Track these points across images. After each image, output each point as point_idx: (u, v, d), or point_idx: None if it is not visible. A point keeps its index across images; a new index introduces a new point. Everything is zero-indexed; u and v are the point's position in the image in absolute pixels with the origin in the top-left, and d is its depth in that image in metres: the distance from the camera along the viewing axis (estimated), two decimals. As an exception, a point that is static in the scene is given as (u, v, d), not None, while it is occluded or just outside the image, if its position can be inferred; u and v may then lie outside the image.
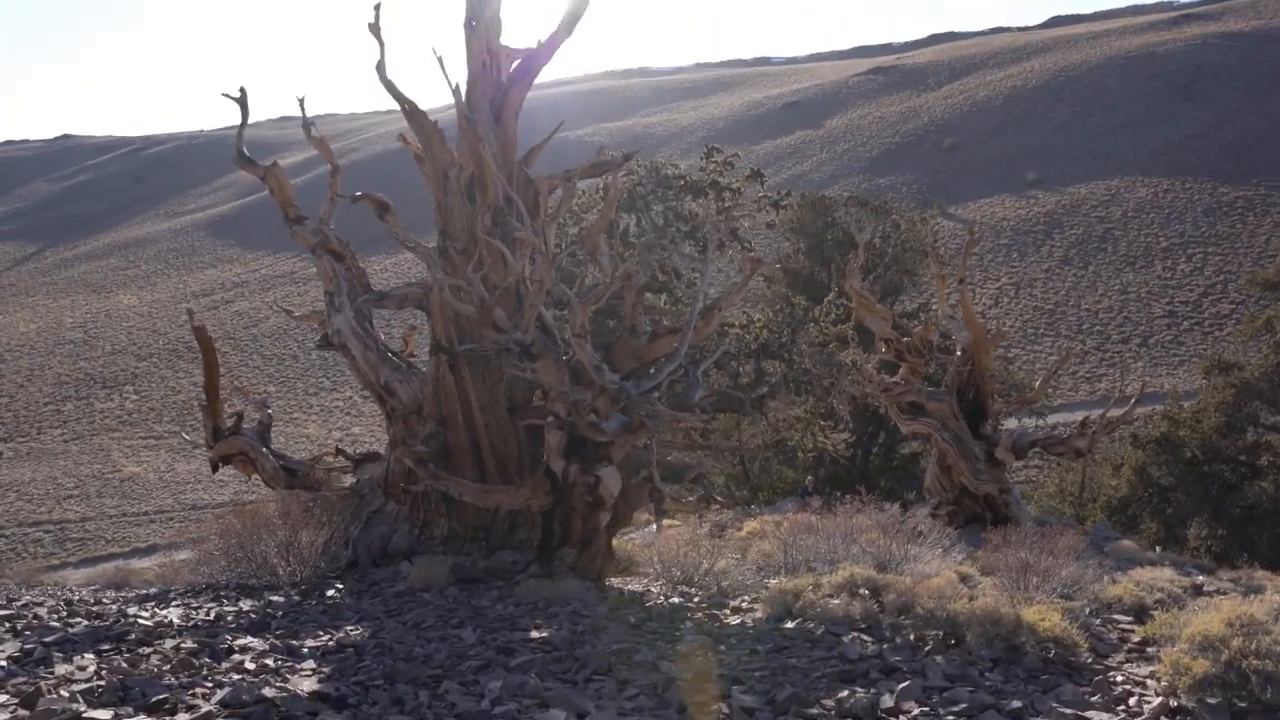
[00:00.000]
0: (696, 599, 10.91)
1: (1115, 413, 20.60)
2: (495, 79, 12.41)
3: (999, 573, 10.28)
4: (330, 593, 11.00)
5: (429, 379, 12.73)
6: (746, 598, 10.82)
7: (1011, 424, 27.95)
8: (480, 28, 12.21)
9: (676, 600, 10.80)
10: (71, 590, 13.64)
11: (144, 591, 12.04)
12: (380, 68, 12.83)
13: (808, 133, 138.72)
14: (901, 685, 6.56)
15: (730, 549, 14.63)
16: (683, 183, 12.80)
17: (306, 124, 14.05)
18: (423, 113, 12.64)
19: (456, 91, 12.03)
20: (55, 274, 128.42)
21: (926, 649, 8.05)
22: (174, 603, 10.05)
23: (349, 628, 8.61)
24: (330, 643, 7.84)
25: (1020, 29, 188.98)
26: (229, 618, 8.85)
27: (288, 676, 6.39)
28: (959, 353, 20.79)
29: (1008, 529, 16.14)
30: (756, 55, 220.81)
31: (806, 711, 5.96)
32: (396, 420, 13.01)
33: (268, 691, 5.77)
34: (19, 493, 68.66)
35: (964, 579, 10.57)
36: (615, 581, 12.58)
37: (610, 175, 12.29)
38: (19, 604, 9.55)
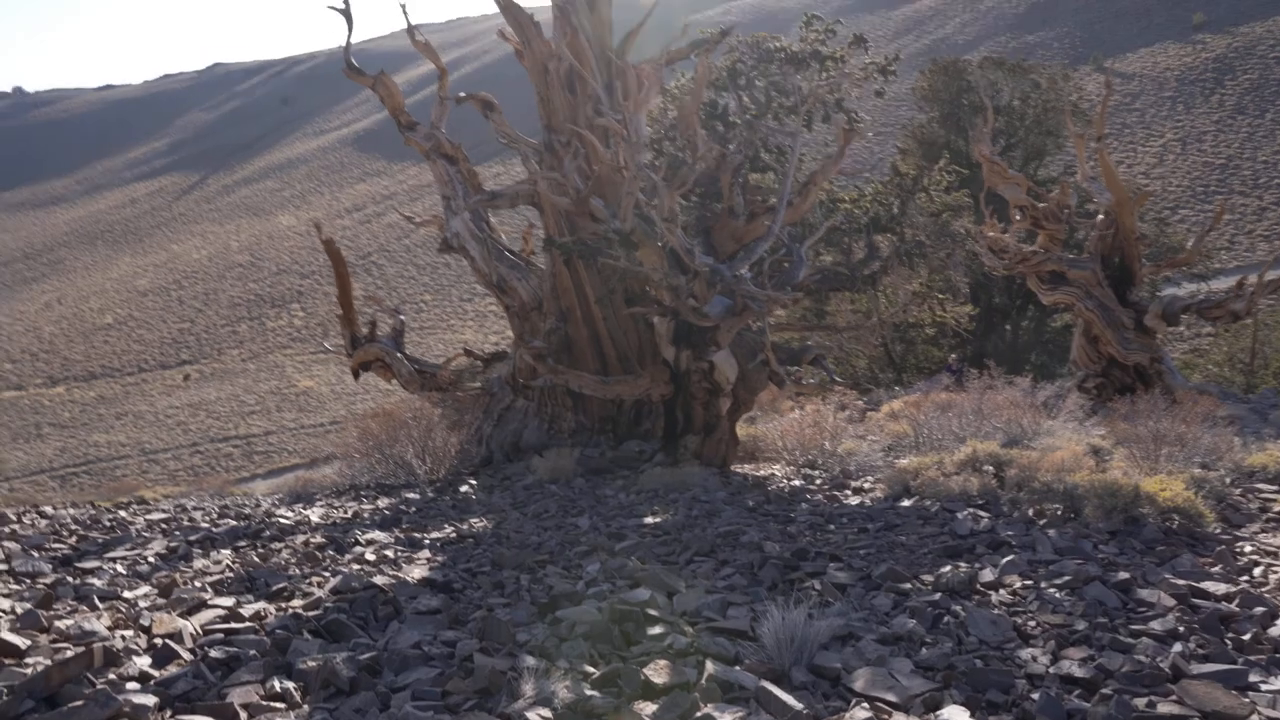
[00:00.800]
0: (819, 480, 10.90)
1: (1275, 274, 19.19)
2: (586, -38, 12.17)
3: (1131, 443, 9.87)
4: (464, 488, 11.46)
5: (546, 275, 12.89)
6: (870, 478, 10.75)
7: (1176, 290, 26.50)
8: (569, -85, 11.95)
9: (798, 483, 10.81)
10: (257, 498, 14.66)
11: (295, 492, 12.78)
12: (476, -34, 12.70)
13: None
14: (1006, 559, 6.42)
15: (865, 430, 14.52)
16: (784, 55, 12.33)
17: (410, 29, 14.15)
18: (518, 5, 12.52)
19: (550, -17, 11.86)
20: (218, 200, 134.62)
21: (1042, 523, 7.84)
22: (318, 503, 10.65)
23: (474, 520, 8.97)
24: (452, 534, 8.19)
25: None
26: (365, 515, 9.33)
27: (402, 565, 6.73)
28: (1101, 216, 19.68)
29: (1138, 397, 15.53)
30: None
31: (900, 586, 5.91)
32: (517, 318, 13.26)
33: (379, 579, 6.08)
34: (208, 411, 73.31)
35: (1095, 451, 10.21)
36: (746, 467, 12.68)
37: (704, 53, 12.04)
38: (177, 506, 10.29)
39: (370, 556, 7.03)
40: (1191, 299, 19.92)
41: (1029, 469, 9.08)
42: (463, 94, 13.37)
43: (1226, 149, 77.96)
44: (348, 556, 7.09)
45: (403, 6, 14.43)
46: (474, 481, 11.82)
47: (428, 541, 7.88)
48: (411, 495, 10.90)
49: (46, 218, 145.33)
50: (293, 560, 6.92)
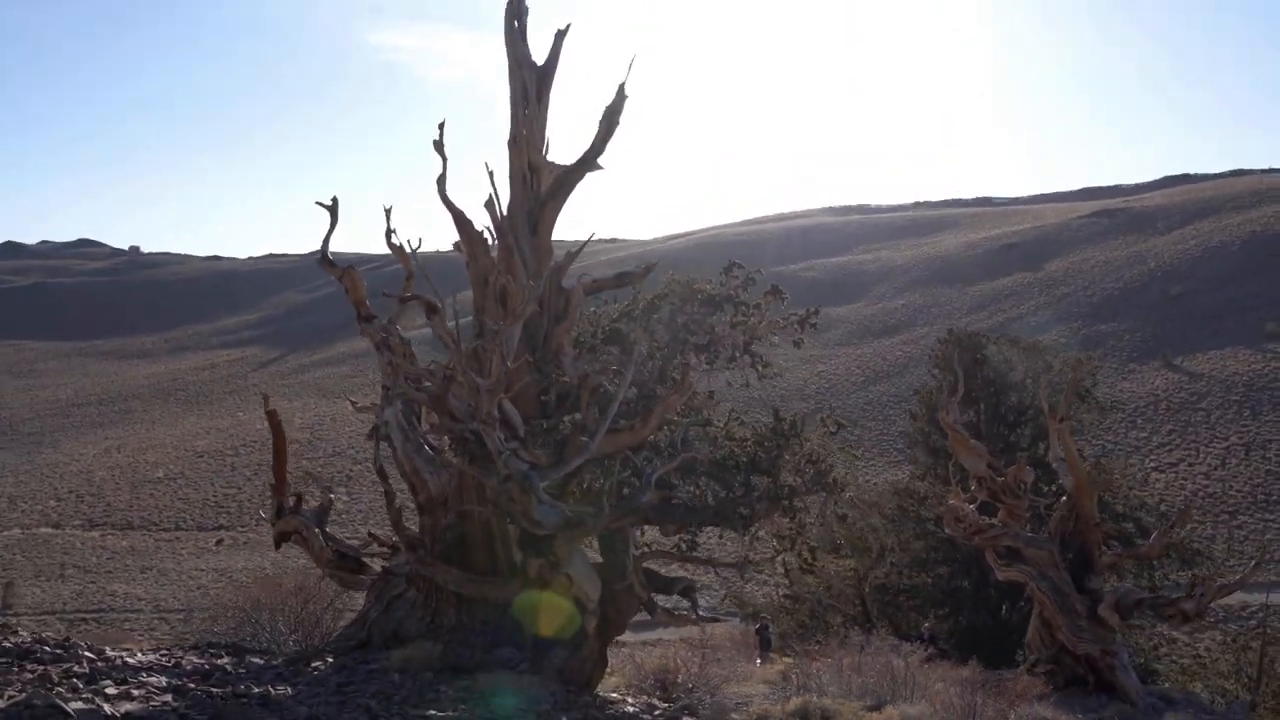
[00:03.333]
0: (657, 713, 10.79)
1: (1224, 582, 18.86)
2: (535, 192, 13.23)
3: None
4: (315, 664, 11.55)
5: (455, 472, 13.31)
6: (709, 712, 10.63)
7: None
8: (521, 144, 13.12)
9: (631, 709, 10.72)
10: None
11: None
12: (441, 181, 13.87)
13: (1026, 275, 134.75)
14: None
15: (763, 673, 14.33)
16: (701, 296, 13.11)
17: (389, 231, 15.26)
18: (469, 222, 13.55)
19: (490, 204, 12.91)
20: (293, 377, 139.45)
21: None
22: (160, 651, 10.85)
23: (267, 687, 9.09)
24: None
25: (1263, 171, 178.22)
26: (166, 664, 9.51)
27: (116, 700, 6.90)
28: (1064, 498, 19.68)
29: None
30: (978, 195, 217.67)
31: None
32: (424, 511, 13.60)
33: (75, 704, 6.30)
34: (230, 578, 73.45)
35: None
36: (612, 689, 12.57)
37: (630, 284, 12.92)
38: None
39: (111, 691, 7.23)
40: (1146, 594, 19.50)
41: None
42: (409, 295, 14.26)
43: (1292, 460, 76.86)
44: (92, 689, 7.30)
45: (386, 210, 15.62)
46: (330, 660, 11.90)
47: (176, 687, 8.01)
48: (255, 660, 11.03)
49: (128, 369, 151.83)
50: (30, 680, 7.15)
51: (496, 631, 13.05)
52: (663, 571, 13.26)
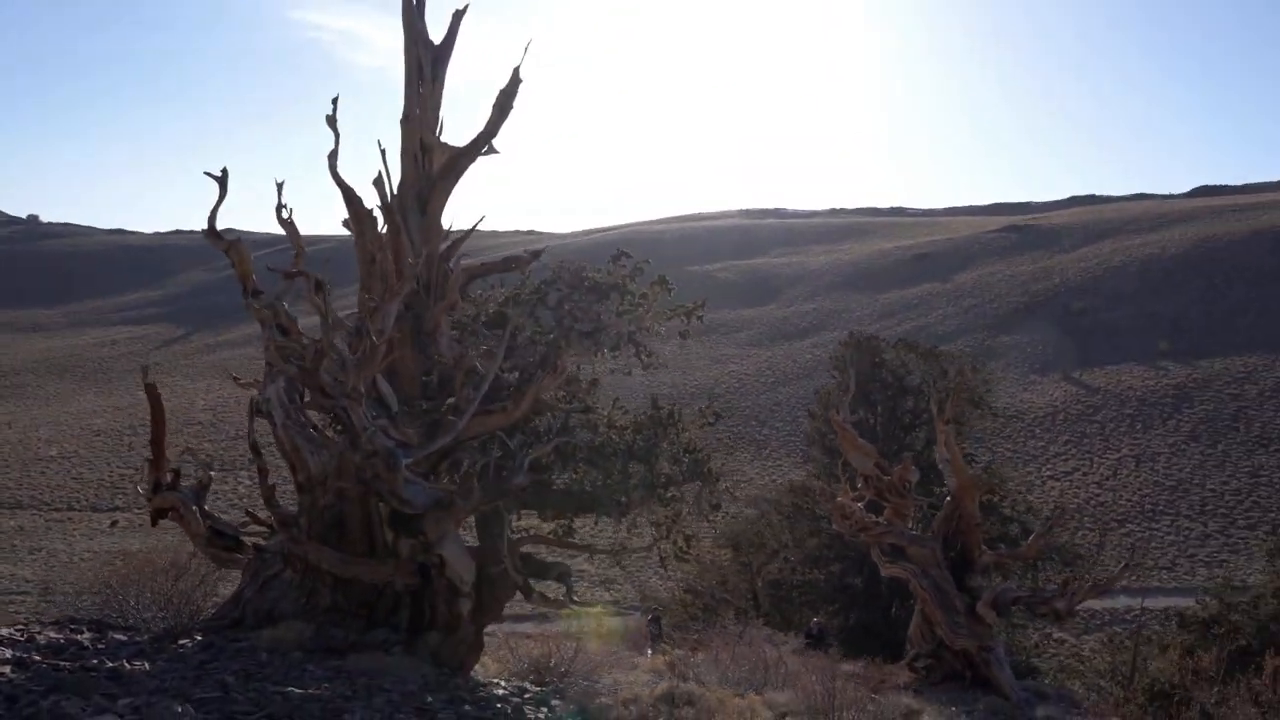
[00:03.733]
0: (527, 695, 10.83)
1: (1093, 580, 19.61)
2: (426, 171, 13.13)
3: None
4: (183, 642, 11.31)
5: (335, 452, 13.13)
6: (577, 695, 10.70)
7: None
8: (414, 123, 13.02)
9: (502, 691, 10.74)
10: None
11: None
12: (332, 157, 13.65)
13: (935, 285, 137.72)
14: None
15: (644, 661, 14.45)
16: (588, 284, 13.19)
17: (279, 206, 14.97)
18: (359, 200, 13.39)
19: (379, 181, 12.78)
20: (196, 357, 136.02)
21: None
22: (15, 626, 10.53)
23: (122, 662, 8.89)
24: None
25: (1164, 196, 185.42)
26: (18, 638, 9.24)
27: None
28: (947, 499, 20.22)
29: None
30: (892, 205, 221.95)
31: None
32: (303, 490, 13.40)
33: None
34: (125, 561, 71.16)
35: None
36: (485, 672, 12.55)
37: (515, 269, 12.97)
38: None
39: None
40: (1022, 592, 20.15)
41: (703, 712, 9.10)
42: (295, 270, 14.01)
43: (1179, 472, 79.78)
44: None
45: (278, 184, 15.32)
46: (200, 638, 11.67)
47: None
48: (119, 636, 10.77)
49: (22, 342, 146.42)
50: None
51: (373, 613, 12.94)
52: (541, 558, 13.27)
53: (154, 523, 15.57)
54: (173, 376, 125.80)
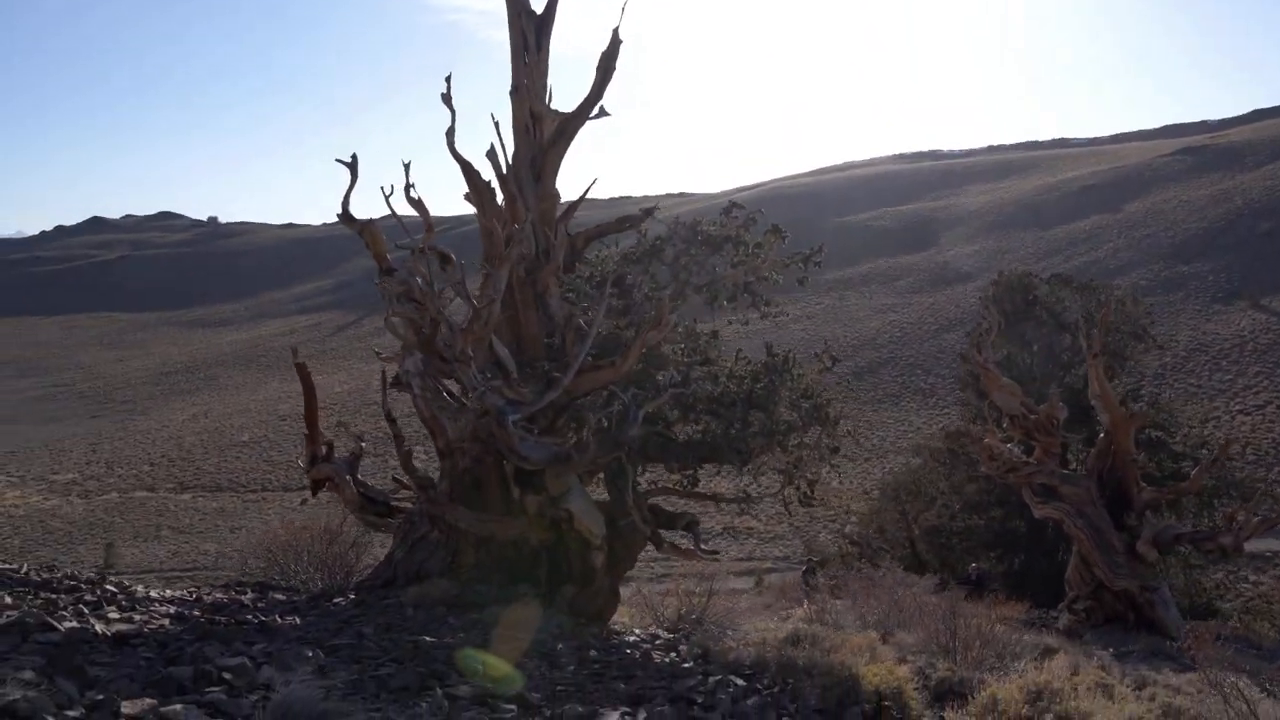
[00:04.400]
0: (658, 641, 11.12)
1: (1259, 518, 18.48)
2: (536, 140, 13.43)
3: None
4: (338, 600, 12.09)
5: (472, 417, 13.69)
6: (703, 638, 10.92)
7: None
8: (522, 93, 13.32)
9: (633, 638, 11.06)
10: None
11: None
12: (450, 134, 14.11)
13: (1104, 217, 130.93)
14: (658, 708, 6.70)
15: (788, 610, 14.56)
16: (701, 237, 13.22)
17: (408, 185, 15.60)
18: (477, 173, 13.82)
19: (491, 153, 13.14)
20: (370, 340, 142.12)
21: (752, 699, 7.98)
22: (190, 589, 11.48)
23: (275, 617, 9.61)
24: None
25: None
26: (187, 598, 10.09)
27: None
28: (1101, 435, 19.43)
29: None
30: (1055, 136, 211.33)
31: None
32: (444, 456, 14.03)
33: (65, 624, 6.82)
34: (285, 528, 75.65)
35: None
36: (625, 622, 12.92)
37: (631, 227, 13.13)
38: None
39: (112, 615, 7.76)
40: (1185, 529, 19.20)
41: (819, 647, 9.19)
42: (422, 246, 14.57)
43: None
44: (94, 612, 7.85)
45: (405, 165, 15.94)
46: (354, 595, 12.44)
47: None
48: (279, 596, 11.61)
49: (212, 337, 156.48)
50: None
51: (514, 570, 13.49)
52: (670, 509, 13.51)
53: (314, 493, 16.59)
54: (349, 360, 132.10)
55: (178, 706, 5.09)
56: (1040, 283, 31.91)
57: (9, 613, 7.05)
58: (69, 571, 11.54)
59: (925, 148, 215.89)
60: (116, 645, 6.75)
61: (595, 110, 13.78)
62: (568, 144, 13.50)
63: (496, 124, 13.59)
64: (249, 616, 9.47)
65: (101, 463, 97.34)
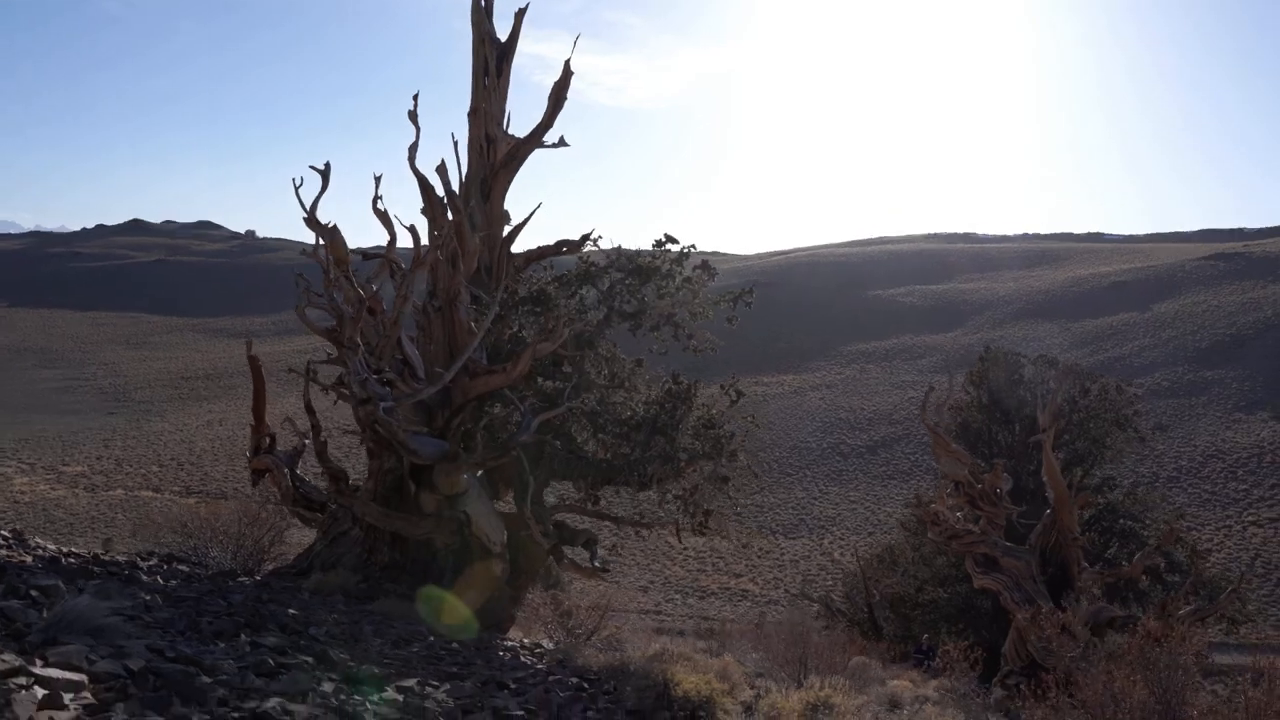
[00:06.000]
0: (538, 650, 11.34)
1: (1190, 608, 18.46)
2: (490, 161, 13.96)
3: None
4: (242, 579, 12.42)
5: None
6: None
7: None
8: (480, 116, 13.87)
9: (510, 644, 11.29)
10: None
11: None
12: (412, 150, 14.66)
13: (1132, 315, 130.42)
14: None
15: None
16: (632, 266, 13.65)
17: (376, 197, 16.16)
18: (432, 189, 14.35)
19: (441, 169, 13.68)
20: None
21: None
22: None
23: (156, 578, 9.96)
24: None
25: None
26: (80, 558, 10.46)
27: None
28: (1047, 511, 19.50)
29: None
30: (1090, 230, 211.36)
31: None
32: (372, 456, 14.41)
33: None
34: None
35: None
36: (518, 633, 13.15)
37: (569, 252, 13.60)
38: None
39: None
40: (1118, 613, 19.14)
41: (666, 663, 9.38)
42: (367, 251, 15.08)
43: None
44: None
45: (376, 178, 16.52)
46: (259, 579, 12.76)
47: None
48: (181, 568, 11.95)
49: (236, 347, 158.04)
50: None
51: (425, 571, 13.79)
52: (573, 525, 13.79)
53: (254, 483, 17.01)
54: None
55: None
56: (1027, 362, 32.04)
57: None
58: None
59: (960, 229, 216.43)
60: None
61: (554, 139, 14.33)
62: (517, 167, 14.02)
63: (455, 143, 14.15)
64: (125, 571, 9.84)
65: (112, 459, 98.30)
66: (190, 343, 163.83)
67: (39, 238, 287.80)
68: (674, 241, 13.82)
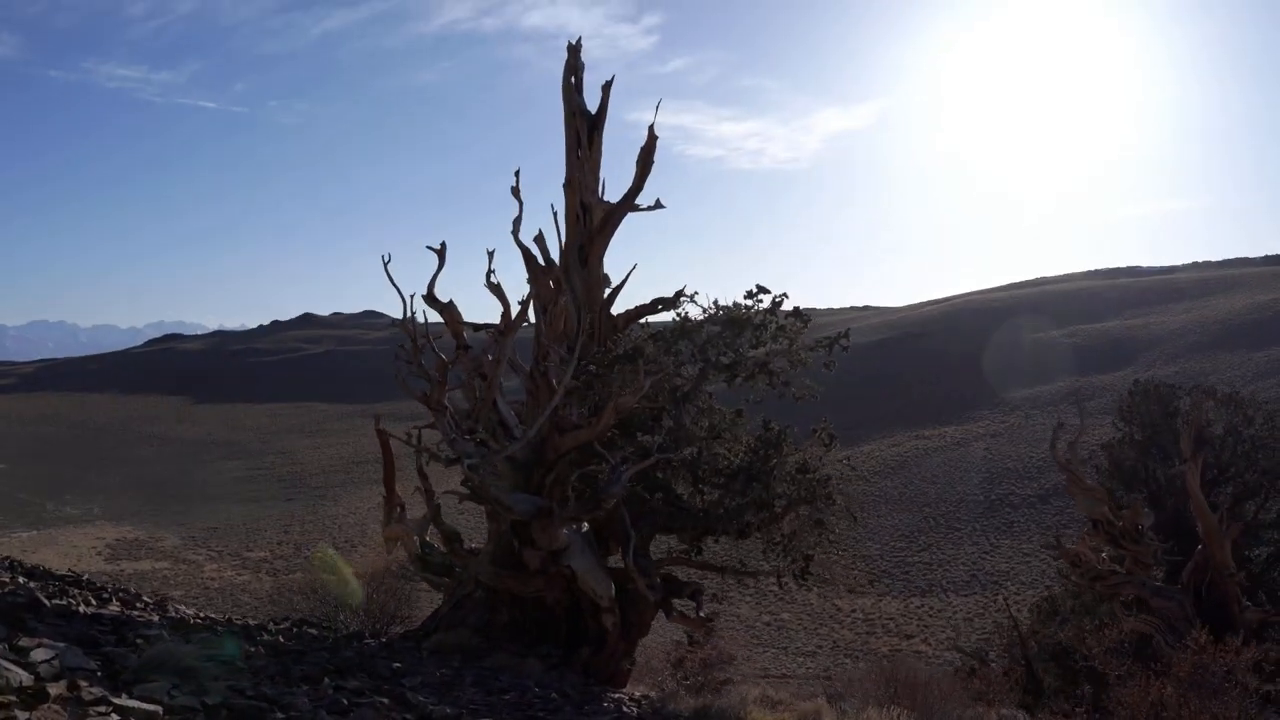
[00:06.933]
0: (643, 701, 11.51)
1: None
2: (585, 228, 14.52)
3: None
4: (368, 640, 13.05)
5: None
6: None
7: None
8: (575, 185, 14.49)
9: (616, 696, 11.47)
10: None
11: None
12: (516, 223, 15.36)
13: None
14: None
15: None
16: (724, 317, 13.86)
17: (489, 271, 16.94)
18: (535, 259, 14.99)
19: (540, 239, 14.29)
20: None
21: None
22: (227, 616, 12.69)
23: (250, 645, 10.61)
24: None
25: None
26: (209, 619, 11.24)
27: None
28: (1200, 546, 18.50)
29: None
30: (1268, 254, 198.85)
31: None
32: (490, 518, 14.97)
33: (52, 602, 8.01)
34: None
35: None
36: (642, 688, 13.31)
37: (665, 309, 13.99)
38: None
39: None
40: (1286, 654, 17.80)
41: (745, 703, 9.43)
42: (482, 326, 15.69)
43: None
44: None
45: (489, 252, 17.33)
46: (384, 640, 13.36)
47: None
48: (311, 631, 12.66)
49: (402, 431, 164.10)
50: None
51: (542, 630, 14.16)
52: (679, 577, 13.93)
53: (389, 550, 17.82)
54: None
55: (63, 645, 6.15)
56: (1182, 394, 30.52)
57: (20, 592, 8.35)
58: (128, 588, 13.01)
59: (1123, 264, 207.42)
60: (59, 615, 7.92)
61: (650, 202, 14.82)
62: (612, 231, 14.53)
63: (555, 214, 14.80)
64: (251, 633, 10.57)
65: (291, 544, 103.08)
66: (359, 428, 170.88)
67: (221, 337, 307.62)
68: (766, 292, 14.03)
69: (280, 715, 5.97)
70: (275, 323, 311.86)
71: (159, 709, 5.38)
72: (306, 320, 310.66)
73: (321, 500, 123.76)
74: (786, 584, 13.44)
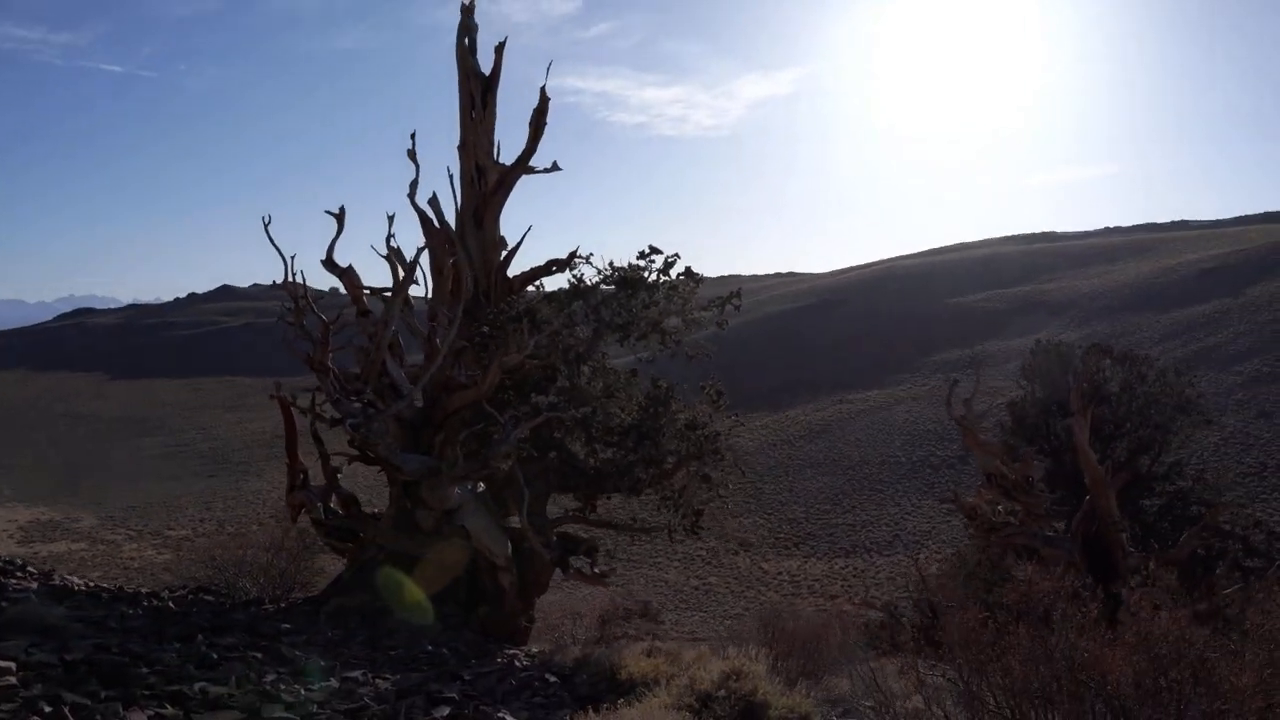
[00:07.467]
0: (534, 656, 11.69)
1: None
2: (480, 190, 14.55)
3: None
4: (267, 605, 13.04)
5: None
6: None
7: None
8: (469, 148, 14.48)
9: (510, 652, 11.65)
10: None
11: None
12: (412, 187, 15.34)
13: (1225, 301, 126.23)
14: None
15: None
16: (617, 277, 14.05)
17: (389, 236, 16.88)
18: (431, 222, 14.99)
19: (433, 201, 14.28)
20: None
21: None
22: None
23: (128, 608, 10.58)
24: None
25: None
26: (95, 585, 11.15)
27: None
28: (1086, 497, 19.19)
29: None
30: (1174, 219, 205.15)
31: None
32: (391, 482, 15.00)
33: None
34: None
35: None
36: (540, 645, 13.51)
37: (559, 270, 14.11)
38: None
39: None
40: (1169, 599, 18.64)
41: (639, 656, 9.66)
42: (381, 290, 15.64)
43: None
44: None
45: (389, 216, 17.20)
46: (284, 605, 13.36)
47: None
48: (207, 597, 12.62)
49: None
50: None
51: (445, 591, 14.27)
52: (575, 534, 14.14)
53: (293, 518, 17.74)
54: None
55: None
56: (1076, 353, 31.45)
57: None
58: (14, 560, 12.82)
59: (1039, 229, 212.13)
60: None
61: (547, 165, 14.88)
62: (506, 194, 14.58)
63: (451, 176, 14.78)
64: (141, 600, 10.52)
65: (214, 520, 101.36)
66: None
67: (136, 310, 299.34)
68: (658, 253, 14.20)
69: (144, 669, 6.01)
70: (192, 295, 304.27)
71: (12, 665, 5.41)
72: (225, 292, 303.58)
73: (245, 475, 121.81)
74: (679, 538, 13.71)
